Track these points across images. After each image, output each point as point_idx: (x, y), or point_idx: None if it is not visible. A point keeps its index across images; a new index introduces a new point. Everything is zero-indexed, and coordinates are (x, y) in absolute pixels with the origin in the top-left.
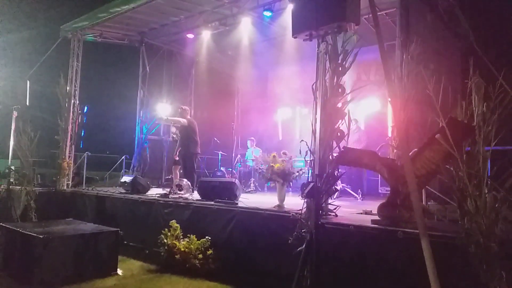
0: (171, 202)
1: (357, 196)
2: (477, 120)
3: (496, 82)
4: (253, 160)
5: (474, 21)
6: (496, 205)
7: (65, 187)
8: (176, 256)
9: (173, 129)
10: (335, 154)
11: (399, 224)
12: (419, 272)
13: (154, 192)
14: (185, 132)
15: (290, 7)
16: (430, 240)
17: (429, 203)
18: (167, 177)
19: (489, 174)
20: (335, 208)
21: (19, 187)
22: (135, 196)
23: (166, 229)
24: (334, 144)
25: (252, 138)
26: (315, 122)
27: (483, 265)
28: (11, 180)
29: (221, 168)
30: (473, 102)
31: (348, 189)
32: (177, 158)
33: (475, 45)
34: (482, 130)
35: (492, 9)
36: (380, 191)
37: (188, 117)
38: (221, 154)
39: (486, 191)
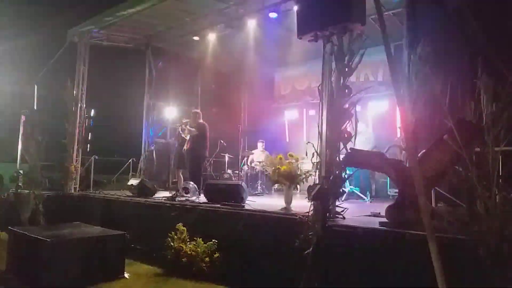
0: (177, 205)
1: (365, 198)
2: (486, 120)
3: (505, 82)
4: (259, 162)
5: (483, 21)
6: (507, 206)
7: (72, 191)
8: (182, 259)
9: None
10: (342, 156)
11: (407, 226)
12: (427, 275)
13: (161, 195)
14: (195, 136)
15: (296, 8)
16: (439, 242)
17: (438, 204)
18: (174, 180)
19: (499, 175)
20: (342, 211)
21: (27, 191)
22: (142, 199)
23: (172, 232)
24: (341, 146)
25: (262, 140)
26: (322, 123)
27: (496, 268)
28: (20, 184)
29: (228, 170)
30: (481, 102)
31: (356, 191)
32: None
33: (485, 45)
34: (491, 130)
35: (501, 9)
36: (389, 193)
37: (200, 120)
38: (227, 156)
39: (496, 192)
